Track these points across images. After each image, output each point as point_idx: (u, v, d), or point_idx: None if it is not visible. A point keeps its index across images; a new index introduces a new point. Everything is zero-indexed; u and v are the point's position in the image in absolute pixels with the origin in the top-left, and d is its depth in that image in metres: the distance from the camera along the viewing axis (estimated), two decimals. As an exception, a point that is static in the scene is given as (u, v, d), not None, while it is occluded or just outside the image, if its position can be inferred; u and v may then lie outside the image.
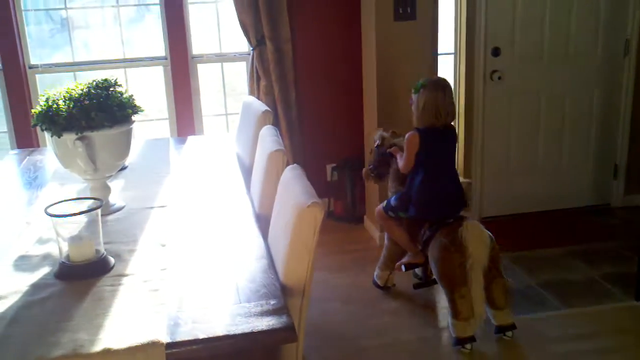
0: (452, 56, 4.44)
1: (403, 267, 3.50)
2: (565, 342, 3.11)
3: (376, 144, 3.56)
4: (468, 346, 3.04)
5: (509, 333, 3.14)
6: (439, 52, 4.28)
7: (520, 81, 4.43)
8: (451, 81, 4.46)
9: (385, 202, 3.46)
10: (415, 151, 3.17)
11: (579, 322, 3.28)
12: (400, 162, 3.29)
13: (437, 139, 3.17)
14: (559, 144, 4.63)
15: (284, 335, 1.71)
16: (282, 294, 1.88)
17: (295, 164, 2.31)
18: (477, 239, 2.97)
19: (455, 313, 3.02)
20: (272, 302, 1.83)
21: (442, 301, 3.58)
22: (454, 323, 3.04)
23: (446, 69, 4.47)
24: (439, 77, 3.35)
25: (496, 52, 4.33)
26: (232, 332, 1.69)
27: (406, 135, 3.20)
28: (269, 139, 2.71)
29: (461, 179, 4.47)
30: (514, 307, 3.23)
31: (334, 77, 4.44)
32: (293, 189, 2.10)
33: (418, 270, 3.68)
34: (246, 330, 1.69)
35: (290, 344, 2.00)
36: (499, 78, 4.35)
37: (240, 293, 1.89)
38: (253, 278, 1.98)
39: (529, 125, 4.55)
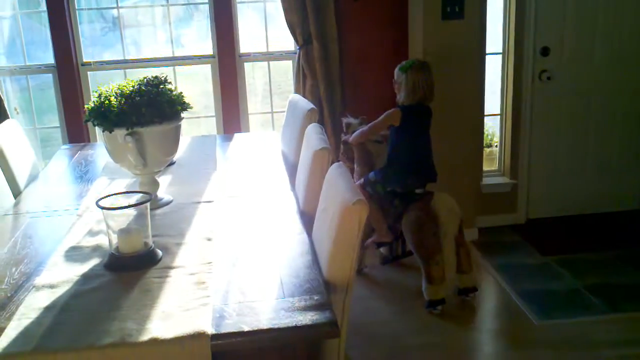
0: (500, 56, 4.39)
1: (376, 245, 3.83)
2: (616, 347, 3.05)
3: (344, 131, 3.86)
4: (439, 307, 3.37)
5: (471, 295, 3.49)
6: (487, 51, 4.24)
7: (569, 81, 4.35)
8: (498, 81, 4.42)
9: (362, 179, 3.66)
10: (390, 125, 3.50)
11: (628, 327, 3.21)
12: (363, 130, 3.60)
13: (420, 115, 3.49)
14: (608, 146, 4.53)
15: (327, 330, 1.72)
16: (325, 290, 1.89)
17: (340, 162, 2.33)
18: (448, 210, 3.34)
19: (429, 279, 3.33)
20: (316, 297, 1.84)
21: (492, 304, 3.56)
22: (427, 287, 3.36)
23: (494, 68, 4.42)
24: (422, 60, 3.59)
25: (545, 51, 4.26)
26: (276, 326, 1.71)
27: (389, 111, 3.50)
28: (314, 137, 2.73)
29: (506, 180, 4.45)
30: (558, 310, 3.19)
31: (379, 76, 4.43)
32: (338, 186, 2.11)
33: (384, 250, 3.94)
34: (290, 324, 1.71)
35: (333, 340, 2.02)
36: (548, 78, 4.28)
37: (284, 288, 1.91)
38: (297, 273, 2.00)
39: (578, 126, 4.47)
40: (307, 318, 1.74)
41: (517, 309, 3.43)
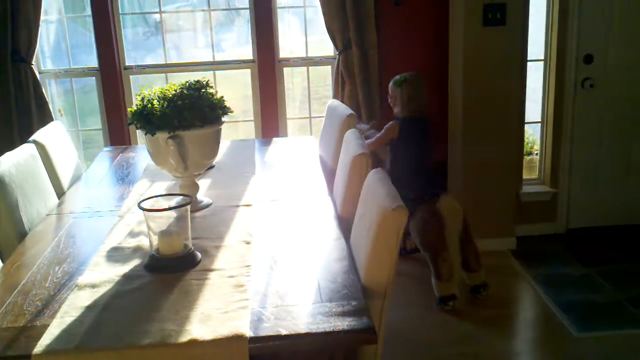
0: (542, 63, 4.33)
1: None
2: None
3: None
4: (450, 303, 3.47)
5: (483, 292, 3.58)
6: (528, 58, 4.19)
7: (612, 90, 4.27)
8: (540, 88, 4.37)
9: None
10: (391, 138, 3.71)
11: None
12: (370, 142, 3.72)
13: (419, 126, 3.70)
14: (653, 155, 4.44)
15: (364, 336, 1.72)
16: (363, 296, 1.89)
17: (379, 168, 2.32)
18: (452, 211, 3.47)
19: (438, 275, 3.46)
20: (353, 303, 1.84)
21: (529, 314, 3.52)
22: (437, 284, 3.48)
23: (535, 75, 4.36)
24: (415, 73, 3.77)
25: (588, 59, 4.20)
26: (313, 330, 1.71)
27: (388, 124, 3.72)
28: (353, 143, 2.73)
29: (547, 189, 4.39)
30: (598, 322, 3.13)
31: (419, 83, 4.42)
32: (377, 192, 2.11)
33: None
34: (327, 329, 1.72)
35: (370, 346, 2.01)
36: (591, 86, 4.21)
37: (322, 292, 1.91)
38: (334, 278, 2.00)
39: (621, 135, 4.38)
40: (344, 323, 1.74)
41: (555, 320, 3.37)
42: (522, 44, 4.03)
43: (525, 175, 4.50)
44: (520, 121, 4.28)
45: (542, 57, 4.32)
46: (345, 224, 2.51)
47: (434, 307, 3.51)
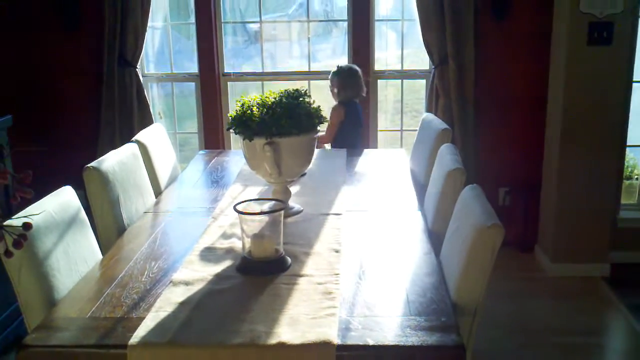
0: (648, 84, 4.16)
1: None
2: None
3: None
4: None
5: None
6: (634, 78, 4.02)
7: None
8: (645, 111, 4.18)
9: None
10: (340, 121, 4.00)
11: None
12: (322, 134, 3.98)
13: (355, 110, 4.06)
14: None
15: (453, 353, 1.70)
16: (453, 312, 1.86)
17: (475, 184, 2.29)
18: None
19: None
20: (443, 318, 1.82)
21: (620, 345, 3.36)
22: None
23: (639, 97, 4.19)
24: (351, 64, 4.15)
25: (699, 82, 3.99)
26: (401, 343, 1.70)
27: (332, 109, 4.02)
28: (448, 157, 2.70)
29: None
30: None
31: (515, 99, 4.33)
32: (472, 208, 2.08)
33: None
34: (415, 343, 1.70)
35: (456, 364, 1.97)
36: (701, 110, 4.01)
37: (410, 306, 1.90)
38: (424, 293, 1.98)
39: None
40: (433, 339, 1.72)
41: (650, 354, 3.21)
42: (628, 64, 3.88)
43: (623, 200, 4.31)
44: (621, 144, 4.11)
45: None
46: (436, 239, 2.48)
47: (518, 329, 3.42)
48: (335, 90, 4.05)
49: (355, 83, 4.04)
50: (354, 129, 4.08)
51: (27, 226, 1.19)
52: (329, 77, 4.09)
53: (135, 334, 1.76)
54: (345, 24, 4.45)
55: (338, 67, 4.06)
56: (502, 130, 4.39)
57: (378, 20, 4.43)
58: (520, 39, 4.21)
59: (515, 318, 3.55)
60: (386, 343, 1.71)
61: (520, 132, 4.38)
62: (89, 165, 2.67)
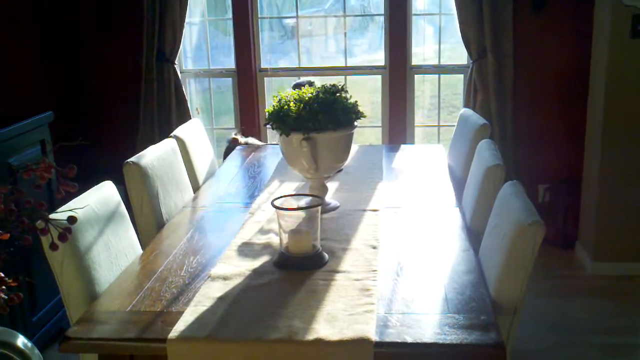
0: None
1: None
2: None
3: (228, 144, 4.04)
4: None
5: None
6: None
7: None
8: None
9: None
10: None
11: None
12: None
13: None
14: None
15: (492, 352, 1.67)
16: (492, 310, 1.84)
17: (515, 181, 2.25)
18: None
19: None
20: (482, 317, 1.80)
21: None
22: None
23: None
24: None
25: None
26: (440, 341, 1.69)
27: None
28: (487, 153, 2.67)
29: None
30: None
31: (555, 94, 4.26)
32: (512, 205, 2.05)
33: None
34: (454, 341, 1.68)
35: (495, 363, 1.95)
36: None
37: (449, 303, 1.88)
38: (463, 290, 1.96)
39: None
40: (472, 337, 1.70)
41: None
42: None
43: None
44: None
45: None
46: (474, 236, 2.46)
47: (558, 327, 3.37)
48: None
49: None
50: None
51: (72, 220, 1.21)
52: (293, 89, 3.98)
53: (174, 328, 1.78)
54: (382, 18, 4.43)
55: (309, 81, 3.91)
56: (541, 126, 4.33)
57: (415, 14, 4.39)
58: (561, 32, 4.14)
59: (554, 316, 3.49)
60: (424, 340, 1.70)
61: (560, 128, 4.31)
62: (128, 160, 2.71)
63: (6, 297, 1.12)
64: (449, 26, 4.44)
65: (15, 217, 1.11)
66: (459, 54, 4.45)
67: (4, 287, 1.13)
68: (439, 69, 4.49)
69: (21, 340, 1.19)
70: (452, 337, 1.70)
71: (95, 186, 2.43)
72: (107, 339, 1.78)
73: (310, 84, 3.80)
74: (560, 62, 4.19)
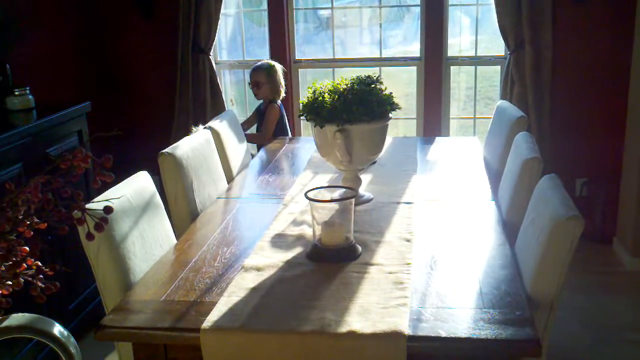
0: None
1: None
2: None
3: None
4: None
5: None
6: None
7: None
8: None
9: None
10: (277, 119, 4.04)
11: None
12: (259, 135, 4.08)
13: (281, 108, 4.12)
14: None
15: (528, 347, 1.65)
16: (528, 306, 1.81)
17: (553, 174, 2.21)
18: None
19: None
20: (518, 312, 1.77)
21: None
22: None
23: None
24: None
25: None
26: (474, 336, 1.67)
27: (269, 107, 4.03)
28: (524, 146, 2.62)
29: None
30: None
31: (595, 86, 4.17)
32: (550, 199, 2.01)
33: None
34: (489, 337, 1.66)
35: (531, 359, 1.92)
36: None
37: (483, 298, 1.86)
38: (498, 285, 1.93)
39: None
40: (507, 332, 1.67)
41: None
42: None
43: None
44: None
45: None
46: (511, 230, 2.42)
47: (594, 324, 3.31)
48: (263, 87, 4.03)
49: (281, 81, 4.06)
50: (285, 127, 4.15)
51: (108, 209, 1.22)
52: (252, 71, 4.05)
53: (207, 318, 1.79)
54: (418, 9, 4.38)
55: (268, 63, 4.07)
56: (580, 119, 4.24)
57: (452, 4, 4.34)
58: (601, 23, 4.04)
59: (591, 312, 3.44)
60: (458, 335, 1.68)
61: (599, 120, 4.22)
62: (163, 151, 2.73)
63: (43, 285, 1.13)
64: (486, 17, 4.38)
65: (53, 206, 1.12)
66: (496, 45, 4.39)
67: (41, 275, 1.14)
68: (476, 61, 4.43)
69: (57, 329, 1.21)
70: (487, 332, 1.68)
71: (131, 176, 2.45)
72: (141, 327, 1.80)
73: (269, 66, 4.02)
74: (600, 53, 4.10)
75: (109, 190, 2.24)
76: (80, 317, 3.25)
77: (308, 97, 2.54)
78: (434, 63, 4.34)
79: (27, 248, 1.13)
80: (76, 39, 4.37)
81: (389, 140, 3.69)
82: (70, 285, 3.17)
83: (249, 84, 4.10)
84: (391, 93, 2.57)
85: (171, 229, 2.56)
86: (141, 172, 2.51)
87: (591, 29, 4.06)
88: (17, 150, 2.85)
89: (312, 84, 2.59)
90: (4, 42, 3.24)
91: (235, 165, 3.38)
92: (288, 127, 4.20)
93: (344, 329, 1.71)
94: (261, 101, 4.15)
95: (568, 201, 1.94)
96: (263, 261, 2.15)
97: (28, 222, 1.12)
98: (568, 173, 4.26)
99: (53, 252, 2.96)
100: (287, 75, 4.46)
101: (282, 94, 4.10)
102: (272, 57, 4.49)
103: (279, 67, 4.07)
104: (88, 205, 1.21)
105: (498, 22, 4.05)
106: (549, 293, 1.89)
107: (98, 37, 4.53)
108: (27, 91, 3.28)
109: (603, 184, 4.23)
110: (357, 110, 2.42)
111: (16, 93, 3.24)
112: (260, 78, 4.01)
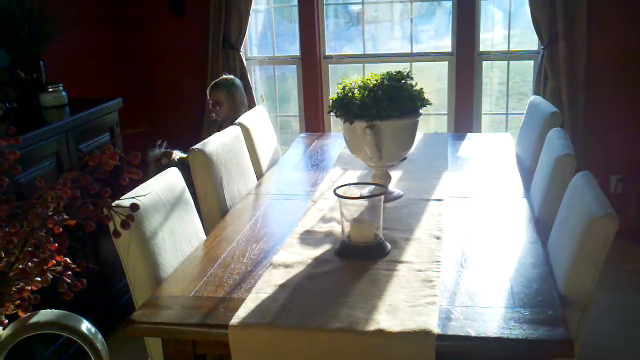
0: None
1: None
2: None
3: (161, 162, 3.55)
4: None
5: None
6: None
7: None
8: None
9: None
10: None
11: None
12: None
13: None
14: None
15: (560, 348, 1.62)
16: (560, 305, 1.78)
17: (587, 171, 2.16)
18: None
19: None
20: (550, 312, 1.74)
21: None
22: None
23: None
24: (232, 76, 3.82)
25: None
26: (504, 336, 1.64)
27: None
28: (557, 142, 2.57)
29: None
30: None
31: (631, 81, 4.08)
32: (584, 197, 1.97)
33: None
34: (520, 336, 1.63)
35: (563, 360, 1.89)
36: None
37: (514, 297, 1.83)
38: (529, 284, 1.90)
39: None
40: (538, 332, 1.65)
41: None
42: None
43: None
44: None
45: None
46: (543, 227, 2.38)
47: (629, 324, 3.24)
48: (223, 107, 3.66)
49: (243, 100, 3.75)
50: None
51: (134, 207, 1.22)
52: (210, 89, 3.70)
53: (236, 314, 1.79)
54: (450, 3, 4.33)
55: (226, 79, 3.72)
56: (615, 115, 4.16)
57: (484, -2, 4.29)
58: (637, 17, 3.95)
59: (625, 312, 3.37)
60: (488, 335, 1.65)
61: (634, 116, 4.13)
62: (193, 147, 2.74)
63: (70, 281, 1.14)
64: (519, 10, 4.31)
65: (80, 203, 1.12)
66: (529, 40, 4.32)
67: (69, 272, 1.15)
68: (508, 55, 4.37)
69: (85, 325, 1.22)
70: (518, 331, 1.65)
71: (161, 172, 2.47)
72: (170, 323, 1.81)
73: (229, 84, 3.68)
74: (636, 49, 4.00)
75: (140, 186, 2.25)
76: (111, 313, 3.28)
77: (338, 93, 2.53)
78: (465, 58, 4.29)
79: (56, 244, 1.14)
80: (108, 36, 4.42)
81: (419, 136, 3.66)
82: (100, 280, 3.21)
83: (208, 103, 3.76)
84: (422, 88, 2.54)
85: (201, 225, 2.57)
86: (171, 168, 2.53)
87: (627, 22, 3.98)
88: (51, 147, 2.89)
89: (342, 79, 2.57)
90: (38, 39, 3.29)
91: (264, 162, 3.38)
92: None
93: (372, 327, 1.70)
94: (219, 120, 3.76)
95: (602, 198, 1.90)
96: (292, 258, 2.15)
97: (57, 219, 1.13)
98: (602, 170, 4.18)
99: (85, 248, 3.00)
100: (318, 72, 4.45)
101: (243, 114, 3.54)
102: (302, 53, 4.49)
103: (239, 84, 3.76)
104: (117, 202, 1.21)
105: (531, 15, 3.99)
106: (582, 292, 1.86)
107: (130, 34, 4.56)
108: (61, 88, 3.32)
109: (638, 181, 4.14)
110: (387, 106, 2.40)
111: (50, 90, 3.29)
112: (220, 97, 3.67)
